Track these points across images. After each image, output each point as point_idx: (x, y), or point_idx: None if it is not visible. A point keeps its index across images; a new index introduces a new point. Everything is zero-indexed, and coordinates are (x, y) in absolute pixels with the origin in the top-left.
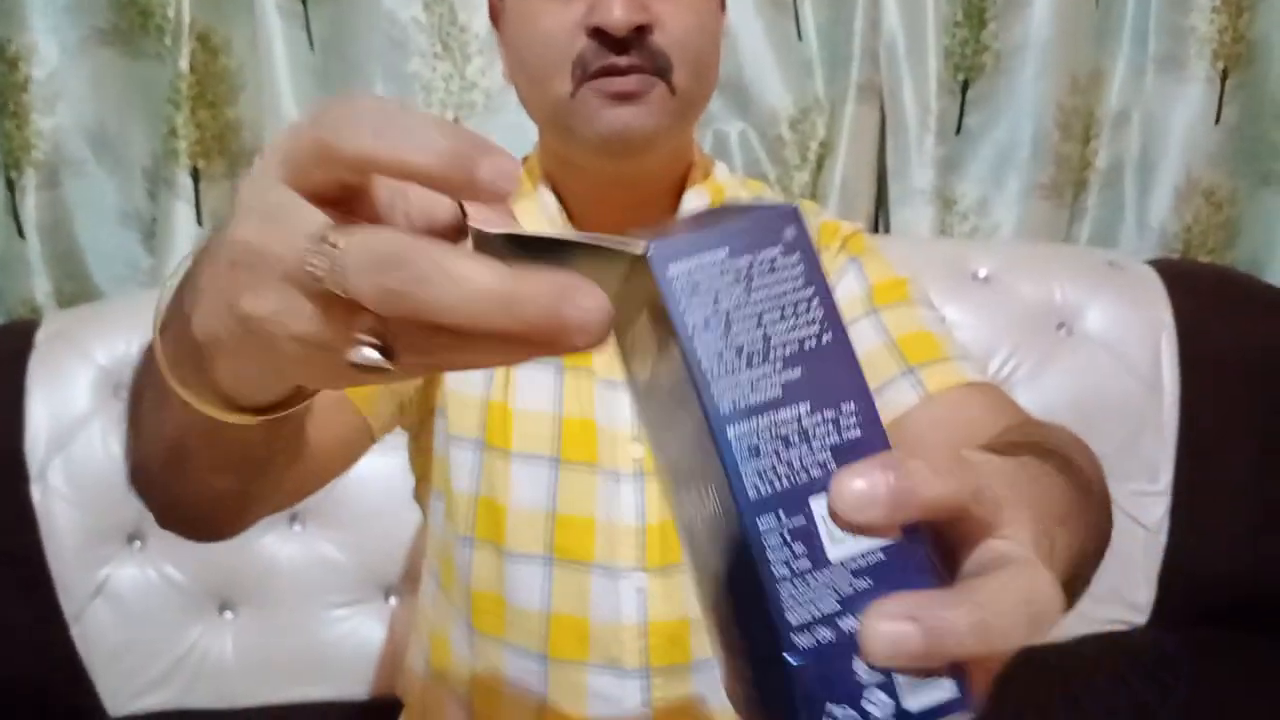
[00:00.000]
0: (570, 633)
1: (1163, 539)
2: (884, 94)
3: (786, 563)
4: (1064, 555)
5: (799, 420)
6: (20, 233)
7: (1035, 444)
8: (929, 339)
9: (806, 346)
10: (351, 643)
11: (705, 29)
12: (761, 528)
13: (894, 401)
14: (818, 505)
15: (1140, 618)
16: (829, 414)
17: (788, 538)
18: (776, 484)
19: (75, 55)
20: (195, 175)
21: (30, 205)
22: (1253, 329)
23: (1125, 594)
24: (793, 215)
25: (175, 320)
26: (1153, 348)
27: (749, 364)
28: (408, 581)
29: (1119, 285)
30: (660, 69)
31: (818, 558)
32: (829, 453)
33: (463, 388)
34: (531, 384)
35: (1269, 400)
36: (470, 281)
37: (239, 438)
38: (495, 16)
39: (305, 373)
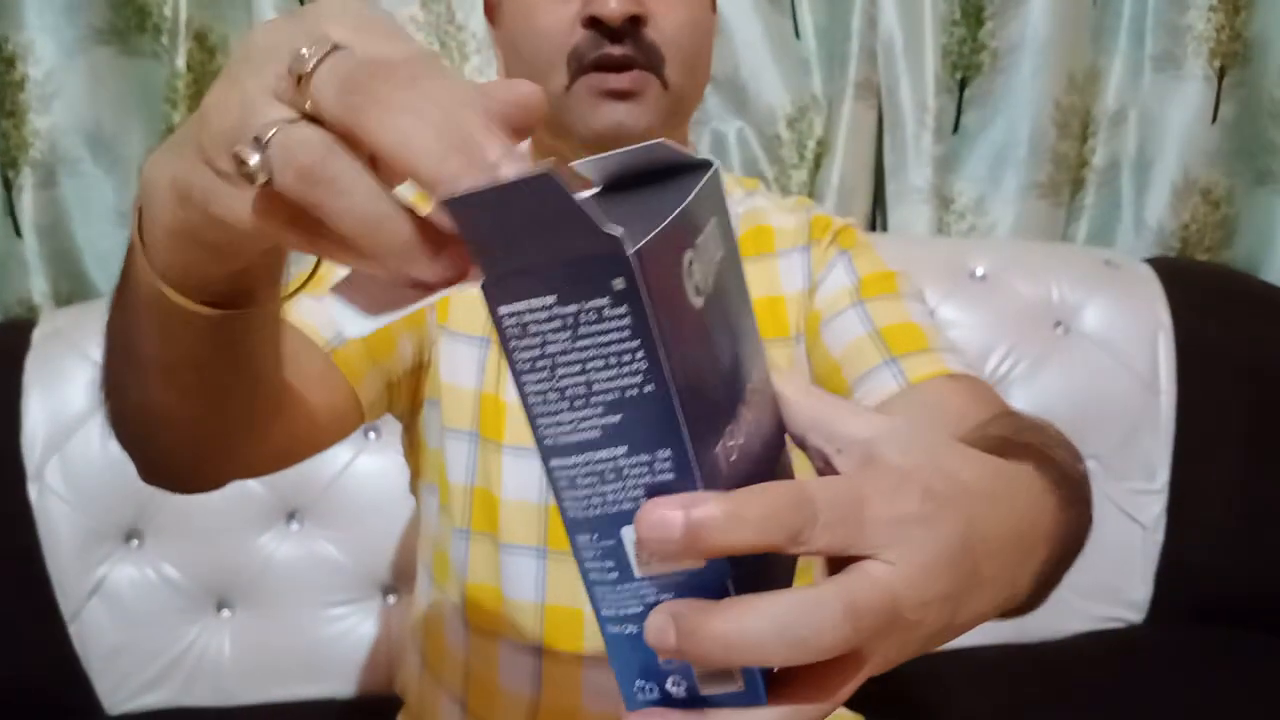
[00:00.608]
0: (565, 624)
1: (1159, 537)
2: (881, 92)
3: (599, 571)
4: (1033, 565)
5: (615, 460)
6: (17, 232)
7: (1015, 440)
8: (914, 330)
9: (628, 395)
10: (349, 641)
11: (698, 26)
12: (579, 542)
13: (875, 390)
14: (627, 533)
15: (1137, 615)
16: (644, 457)
17: (600, 554)
18: (591, 511)
19: (72, 54)
20: None
21: (27, 204)
22: (1249, 327)
23: (1122, 592)
24: (623, 265)
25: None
26: (1150, 346)
27: (571, 406)
28: (404, 579)
29: (1116, 284)
30: (653, 62)
31: (625, 573)
32: (641, 491)
33: (456, 380)
34: None
35: (1265, 398)
36: (373, 217)
37: (181, 329)
38: (491, 14)
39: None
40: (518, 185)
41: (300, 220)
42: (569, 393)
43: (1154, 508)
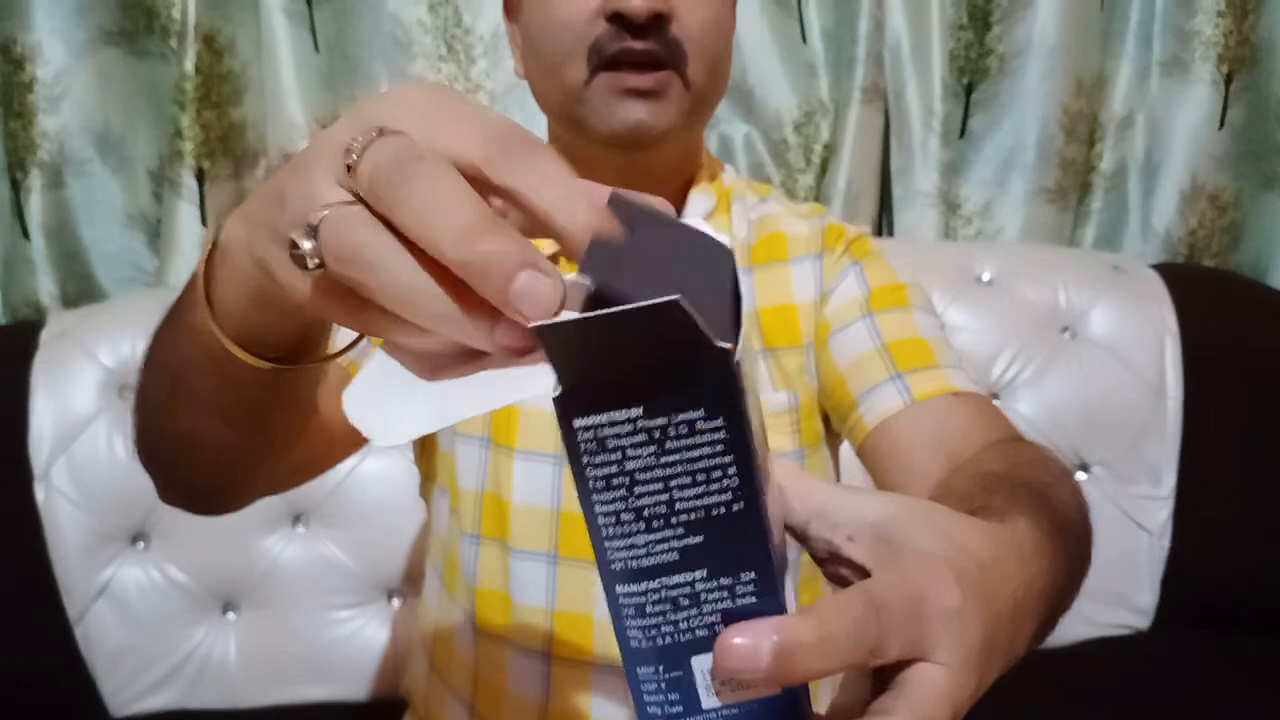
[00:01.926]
0: (575, 630)
1: (1166, 543)
2: (888, 97)
3: (661, 704)
4: (1030, 628)
5: (692, 585)
6: (25, 233)
7: (1012, 481)
8: (921, 345)
9: (714, 514)
10: (355, 644)
11: (720, 26)
12: (640, 674)
13: (879, 405)
14: (699, 662)
15: (1144, 622)
16: (725, 580)
17: (664, 686)
18: (659, 640)
19: (81, 55)
20: (200, 176)
21: (35, 206)
22: (1256, 333)
23: (1129, 598)
24: (727, 378)
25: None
26: (1156, 351)
27: (648, 528)
28: (410, 582)
29: (1123, 289)
30: (676, 60)
31: (692, 705)
32: (719, 616)
33: None
34: None
35: (1272, 404)
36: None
37: (238, 376)
38: (510, 8)
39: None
40: (638, 314)
41: (354, 298)
42: (647, 513)
43: (1160, 514)
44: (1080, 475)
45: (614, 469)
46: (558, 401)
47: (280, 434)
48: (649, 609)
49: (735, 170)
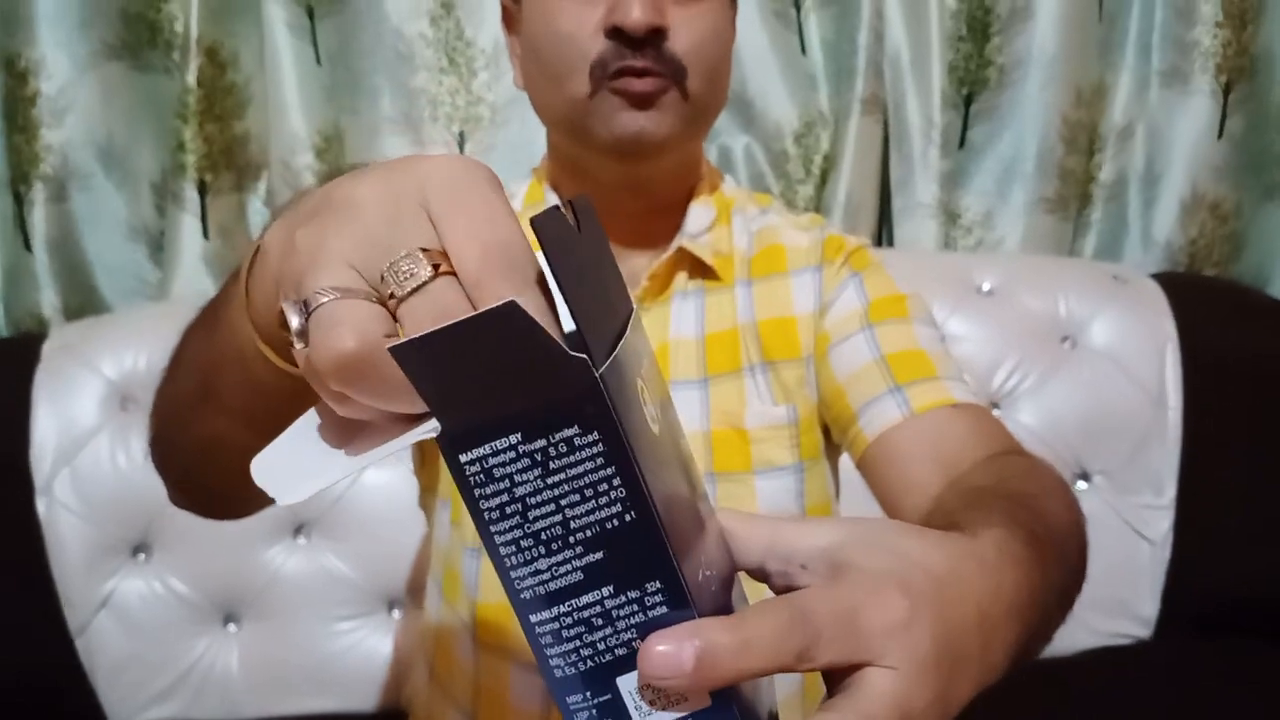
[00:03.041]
0: None
1: (1167, 552)
2: (888, 108)
3: None
4: (1006, 637)
5: (602, 603)
6: (28, 246)
7: (993, 493)
8: (921, 357)
9: (608, 527)
10: (356, 655)
11: (719, 39)
12: (570, 704)
13: (878, 418)
14: (625, 682)
15: (1145, 631)
16: (633, 594)
17: (595, 713)
18: (580, 665)
19: (84, 69)
20: (202, 189)
21: (38, 218)
22: (1257, 342)
23: (1130, 607)
24: (592, 389)
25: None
26: (1157, 361)
27: (548, 551)
28: (411, 593)
29: (1123, 299)
30: (675, 73)
31: None
32: (634, 632)
33: None
34: None
35: (1274, 412)
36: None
37: (267, 380)
38: (509, 20)
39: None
40: (476, 321)
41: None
42: (544, 535)
43: (1162, 523)
44: (1081, 485)
45: (505, 497)
46: (440, 440)
47: None
48: (565, 634)
49: (735, 181)
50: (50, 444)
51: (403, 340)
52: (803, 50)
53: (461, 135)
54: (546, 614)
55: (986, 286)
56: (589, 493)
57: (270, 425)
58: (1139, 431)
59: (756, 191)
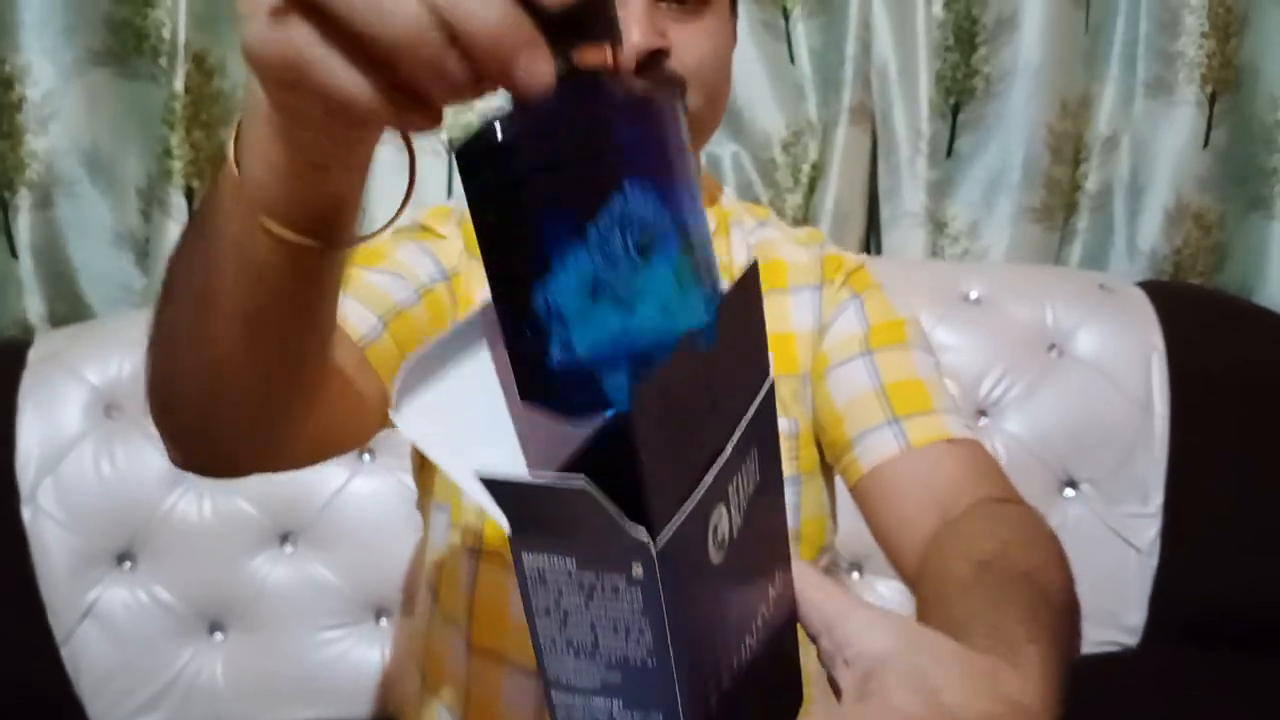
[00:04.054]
0: None
1: (1154, 561)
2: (875, 117)
3: None
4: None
5: (611, 711)
6: (13, 252)
7: (1015, 577)
8: (919, 388)
9: (631, 662)
10: (344, 665)
11: (719, 54)
12: None
13: (875, 449)
14: None
15: (1132, 639)
16: (638, 713)
17: None
18: None
19: (70, 76)
20: (189, 195)
21: (23, 225)
22: (1243, 350)
23: (1117, 616)
24: (644, 556)
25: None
26: (1143, 369)
27: (576, 655)
28: (398, 603)
29: (1110, 307)
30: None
31: None
32: None
33: None
34: None
35: (1259, 421)
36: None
37: (265, 266)
38: None
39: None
40: (552, 490)
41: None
42: (576, 644)
43: (1148, 531)
44: (1069, 492)
45: (551, 602)
46: (510, 538)
47: (303, 365)
48: (575, 716)
49: (721, 188)
50: (35, 452)
51: (486, 476)
52: (791, 60)
53: (452, 143)
54: (564, 698)
55: (974, 295)
56: (621, 630)
57: (263, 326)
58: (1126, 440)
59: (752, 202)
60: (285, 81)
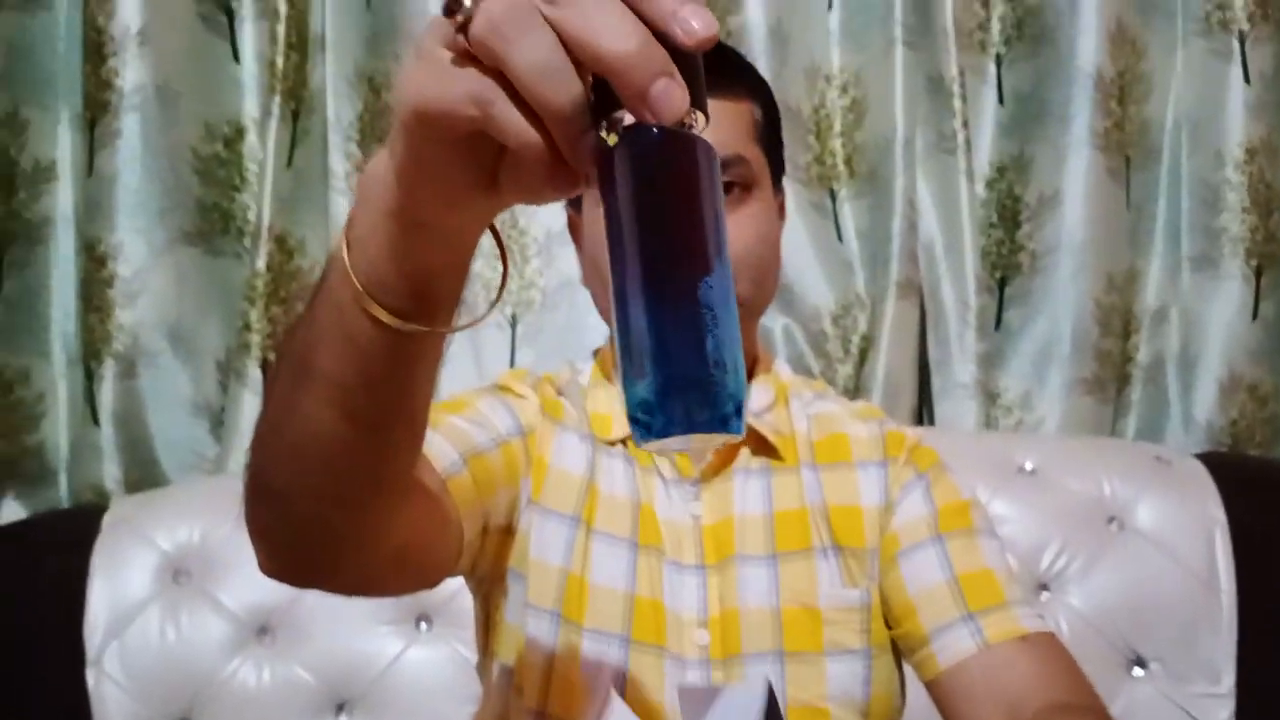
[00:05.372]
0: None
1: None
2: (924, 291)
3: None
4: None
5: None
6: (95, 420)
7: None
8: (989, 579)
9: None
10: None
11: (766, 239)
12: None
13: (952, 647)
14: None
15: None
16: None
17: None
18: None
19: (160, 254)
20: (265, 367)
21: (106, 394)
22: None
23: None
24: None
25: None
26: (1206, 543)
27: None
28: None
29: (1168, 480)
30: None
31: None
32: None
33: (545, 557)
34: (607, 558)
35: None
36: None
37: (363, 340)
38: (574, 229)
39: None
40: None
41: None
42: None
43: (1221, 713)
44: (1138, 672)
45: None
46: None
47: (396, 448)
48: None
49: (772, 359)
50: (103, 616)
51: (682, 688)
52: (839, 238)
53: (514, 317)
54: None
55: (1029, 466)
56: None
57: (363, 404)
58: (1190, 616)
59: (807, 375)
60: (454, 124)
